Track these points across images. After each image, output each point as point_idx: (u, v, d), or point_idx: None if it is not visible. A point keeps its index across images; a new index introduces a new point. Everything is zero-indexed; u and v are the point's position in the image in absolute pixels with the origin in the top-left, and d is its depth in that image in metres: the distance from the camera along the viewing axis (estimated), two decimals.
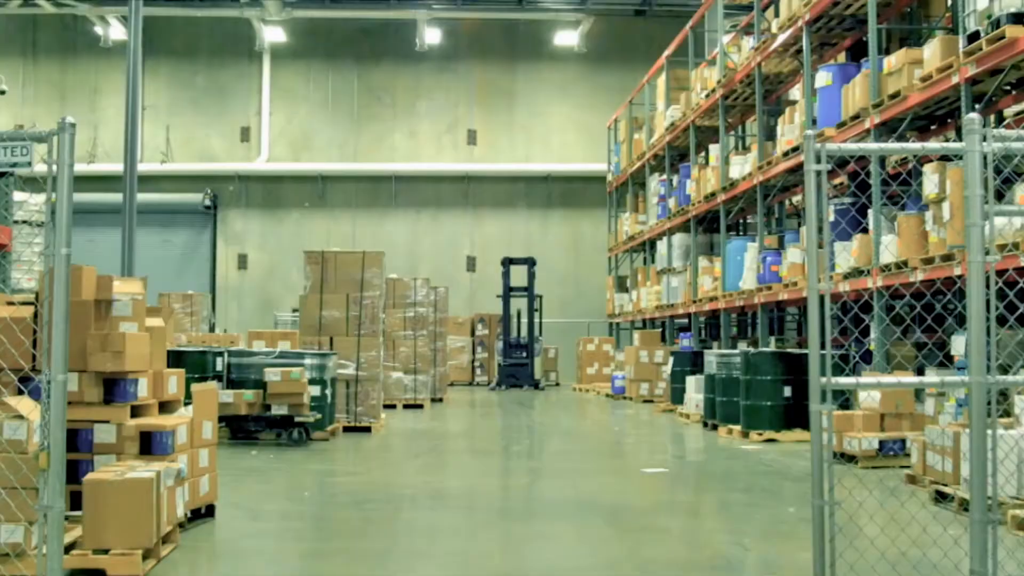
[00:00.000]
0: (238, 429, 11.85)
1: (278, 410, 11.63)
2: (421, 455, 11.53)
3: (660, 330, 21.13)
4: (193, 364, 11.98)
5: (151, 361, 6.86)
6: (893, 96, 11.89)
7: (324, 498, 8.47)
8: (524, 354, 23.29)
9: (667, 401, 17.73)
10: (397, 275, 18.48)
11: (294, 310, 24.33)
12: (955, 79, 10.56)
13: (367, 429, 13.36)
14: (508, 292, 23.46)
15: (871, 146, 4.83)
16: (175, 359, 11.92)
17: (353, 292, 13.65)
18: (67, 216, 4.48)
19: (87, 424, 6.50)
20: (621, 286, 25.24)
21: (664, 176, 21.82)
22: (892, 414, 10.28)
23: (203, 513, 6.94)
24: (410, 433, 13.68)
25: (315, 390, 12.12)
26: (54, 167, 4.41)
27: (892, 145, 5.18)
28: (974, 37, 10.29)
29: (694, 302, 19.05)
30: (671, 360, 17.72)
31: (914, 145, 4.74)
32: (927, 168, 11.48)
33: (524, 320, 23.74)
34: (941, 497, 7.76)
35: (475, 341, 25.15)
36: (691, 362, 16.70)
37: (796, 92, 18.09)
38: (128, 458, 6.42)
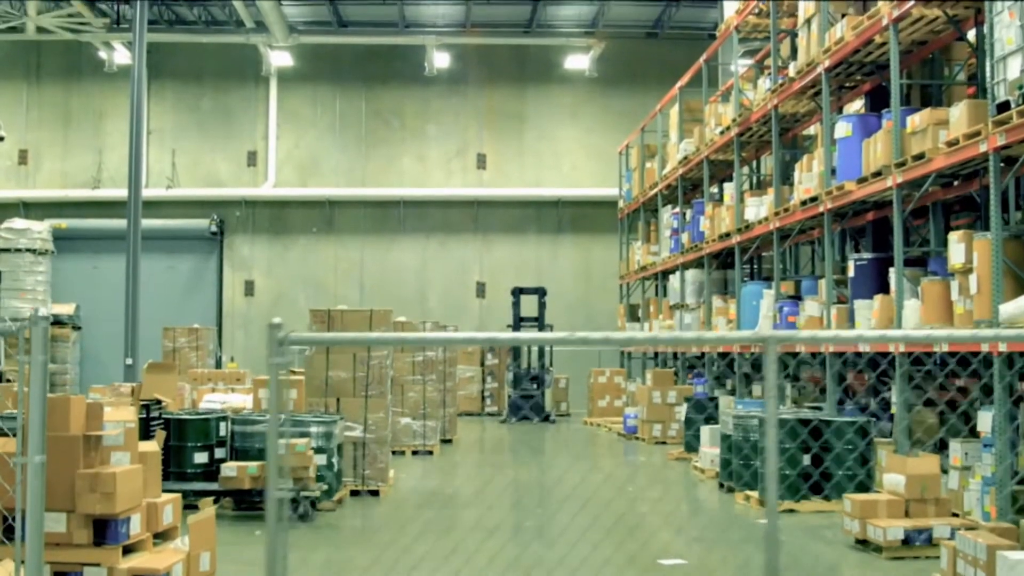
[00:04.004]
0: (241, 501, 11.54)
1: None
2: (429, 532, 11.18)
3: (673, 369, 20.73)
4: (196, 431, 11.70)
5: (145, 492, 6.53)
6: (917, 157, 11.50)
7: None
8: (535, 385, 22.94)
9: (680, 446, 17.38)
10: (405, 318, 18.13)
11: None
12: (983, 147, 10.20)
13: (375, 492, 13.03)
14: (518, 322, 23.13)
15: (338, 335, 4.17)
16: (178, 427, 11.68)
17: (360, 352, 13.29)
18: (41, 416, 4.12)
19: (76, 567, 6.17)
20: (633, 315, 24.84)
21: (677, 209, 21.43)
22: (917, 499, 9.89)
23: None
24: (419, 496, 13.34)
25: (321, 459, 11.76)
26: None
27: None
28: (1004, 107, 9.91)
29: None
30: (685, 405, 17.38)
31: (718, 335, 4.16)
32: (952, 237, 11.09)
33: (534, 350, 23.39)
34: None
35: (485, 371, 24.78)
36: (706, 409, 16.36)
37: (813, 129, 17.70)
38: None
